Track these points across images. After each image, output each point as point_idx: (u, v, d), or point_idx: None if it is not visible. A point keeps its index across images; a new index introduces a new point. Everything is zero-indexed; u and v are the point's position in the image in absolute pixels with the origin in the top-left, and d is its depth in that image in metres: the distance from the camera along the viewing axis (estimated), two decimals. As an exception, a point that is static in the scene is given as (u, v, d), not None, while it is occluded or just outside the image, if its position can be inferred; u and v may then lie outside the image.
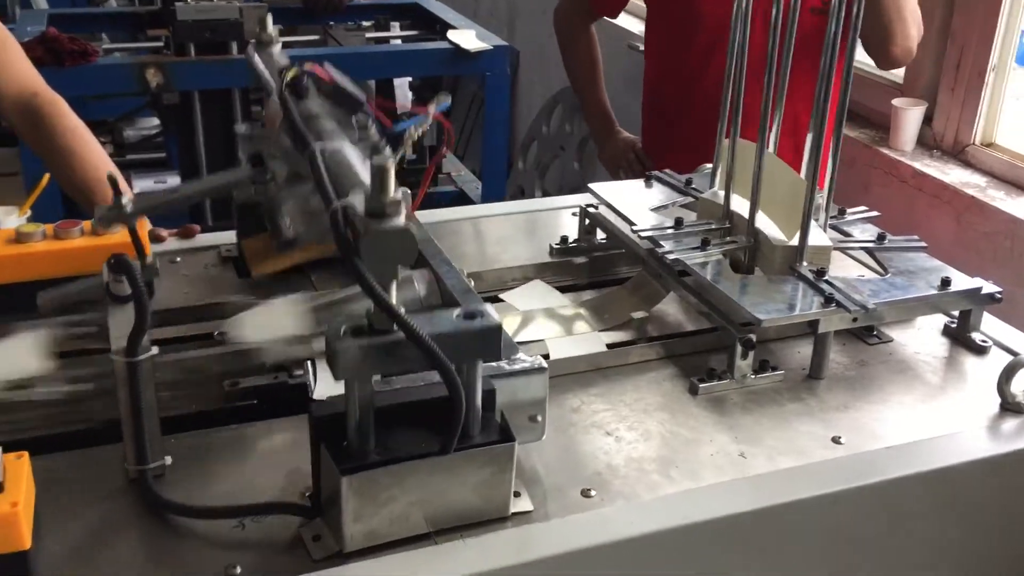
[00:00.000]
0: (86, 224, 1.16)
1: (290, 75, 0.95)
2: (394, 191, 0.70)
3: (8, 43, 1.55)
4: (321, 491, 0.80)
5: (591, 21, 2.21)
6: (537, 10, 2.20)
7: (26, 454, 0.76)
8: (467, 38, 2.63)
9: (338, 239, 0.71)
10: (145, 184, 3.11)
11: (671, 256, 1.12)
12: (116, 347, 0.81)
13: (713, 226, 1.20)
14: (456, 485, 0.79)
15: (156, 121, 3.34)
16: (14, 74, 1.53)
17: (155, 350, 0.82)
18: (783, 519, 0.86)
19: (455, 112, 4.24)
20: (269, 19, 1.19)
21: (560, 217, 1.46)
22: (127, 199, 0.91)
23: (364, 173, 0.82)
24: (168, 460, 0.86)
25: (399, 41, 3.09)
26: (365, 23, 3.06)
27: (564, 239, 1.33)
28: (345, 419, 0.77)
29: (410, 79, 2.95)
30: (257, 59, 1.17)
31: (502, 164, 2.86)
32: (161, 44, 2.64)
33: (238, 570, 0.76)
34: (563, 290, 1.25)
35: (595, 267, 1.31)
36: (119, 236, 1.14)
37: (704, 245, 1.14)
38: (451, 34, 2.67)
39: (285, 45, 2.79)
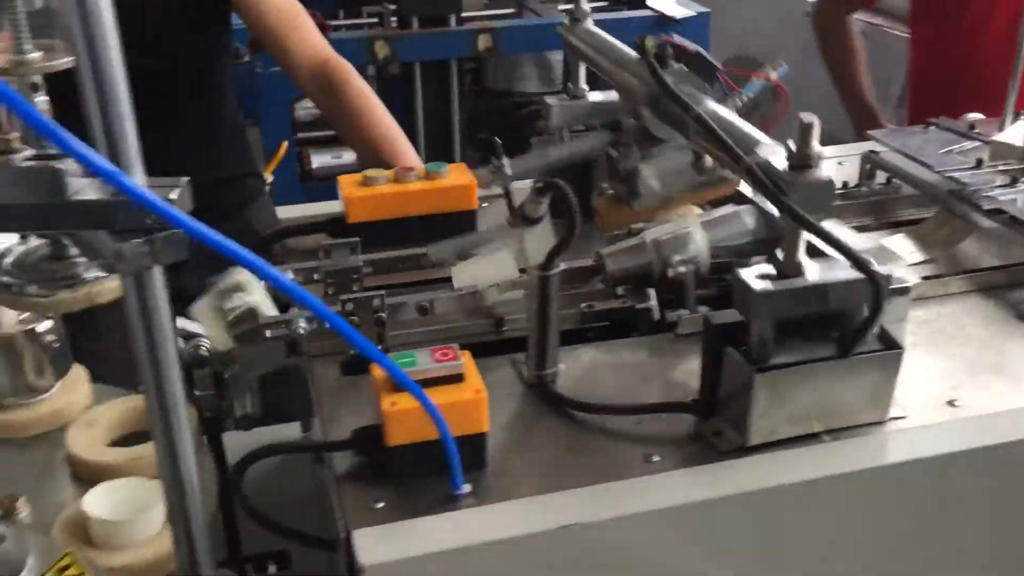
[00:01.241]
0: (420, 169, 1.28)
1: (653, 45, 1.03)
2: (817, 145, 0.78)
3: (302, 14, 1.70)
4: (720, 392, 0.88)
5: (850, 11, 2.26)
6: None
7: (468, 352, 0.87)
8: (669, 5, 2.68)
9: (763, 189, 0.81)
10: (323, 159, 3.30)
11: (985, 193, 1.16)
12: (533, 263, 0.91)
13: (1014, 165, 1.23)
14: (848, 388, 0.86)
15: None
16: (308, 43, 1.67)
17: (563, 266, 0.92)
18: None
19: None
20: None
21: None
22: (507, 162, 1.01)
23: (746, 129, 0.91)
24: (562, 367, 0.96)
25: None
26: (558, -5, 3.15)
27: (845, 184, 1.38)
28: (745, 328, 0.85)
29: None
30: (573, 37, 1.26)
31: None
32: (375, 20, 2.78)
33: (656, 458, 0.85)
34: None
35: (879, 210, 1.36)
36: (449, 180, 1.26)
37: (1014, 182, 1.17)
38: (651, 2, 2.73)
39: (484, 18, 2.90)
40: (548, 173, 1.29)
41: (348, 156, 3.35)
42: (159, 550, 0.93)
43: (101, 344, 1.21)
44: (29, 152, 0.61)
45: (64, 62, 0.67)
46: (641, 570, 0.82)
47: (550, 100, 1.31)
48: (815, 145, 0.79)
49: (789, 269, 0.82)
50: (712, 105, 0.96)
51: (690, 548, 0.82)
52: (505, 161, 1.01)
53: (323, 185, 2.96)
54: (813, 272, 0.83)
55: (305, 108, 3.77)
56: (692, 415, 0.89)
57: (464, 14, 2.61)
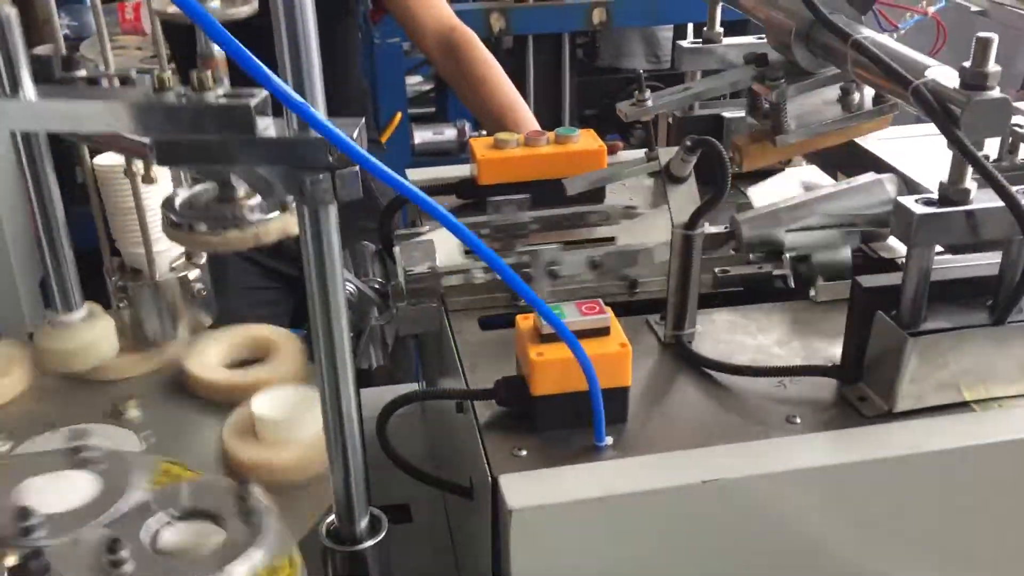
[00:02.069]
0: (550, 135, 1.29)
1: None
2: (993, 64, 0.75)
3: (427, -18, 1.72)
4: (867, 357, 0.87)
5: None
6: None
7: (610, 308, 0.88)
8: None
9: (930, 111, 0.77)
10: (425, 135, 3.34)
11: None
12: (677, 221, 0.91)
13: None
14: (1002, 357, 0.84)
15: (417, 79, 3.64)
16: (434, 11, 1.70)
17: (708, 226, 0.92)
18: None
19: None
20: None
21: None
22: (649, 95, 1.01)
23: (911, 54, 0.87)
24: (699, 328, 0.96)
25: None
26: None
27: (986, 157, 1.33)
28: (897, 291, 0.83)
29: None
30: None
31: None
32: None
33: (798, 420, 0.85)
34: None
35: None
36: (579, 144, 1.27)
37: None
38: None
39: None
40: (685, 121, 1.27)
41: (449, 132, 3.39)
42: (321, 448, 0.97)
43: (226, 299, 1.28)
44: (220, 91, 0.63)
45: (243, 11, 0.69)
46: (780, 530, 0.81)
47: (682, 43, 1.28)
48: (991, 64, 0.75)
49: (955, 194, 0.79)
50: (870, 32, 0.93)
51: (831, 511, 0.82)
52: (648, 94, 1.00)
53: (423, 160, 2.99)
54: (980, 199, 0.79)
55: (408, 84, 3.85)
56: (834, 379, 0.89)
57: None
